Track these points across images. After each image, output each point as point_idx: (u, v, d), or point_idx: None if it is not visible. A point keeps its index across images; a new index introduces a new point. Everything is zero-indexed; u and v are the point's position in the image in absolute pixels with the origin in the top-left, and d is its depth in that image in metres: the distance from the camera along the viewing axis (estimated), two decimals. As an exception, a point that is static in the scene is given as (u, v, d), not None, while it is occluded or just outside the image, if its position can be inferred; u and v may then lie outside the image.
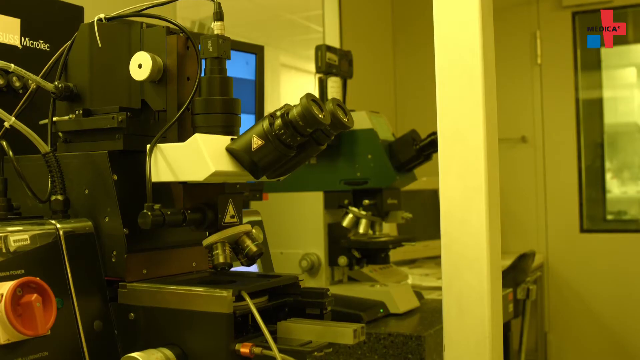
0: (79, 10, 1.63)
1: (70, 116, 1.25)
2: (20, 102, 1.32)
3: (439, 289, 1.40)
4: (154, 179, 1.13)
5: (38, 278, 1.03)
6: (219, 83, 1.16)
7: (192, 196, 1.18)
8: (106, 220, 1.19)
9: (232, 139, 1.13)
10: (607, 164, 4.68)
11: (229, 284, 1.14)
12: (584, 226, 4.52)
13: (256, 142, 1.10)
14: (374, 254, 2.29)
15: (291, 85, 3.60)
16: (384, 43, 4.87)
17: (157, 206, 1.10)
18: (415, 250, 3.45)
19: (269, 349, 1.04)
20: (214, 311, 1.07)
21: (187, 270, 1.30)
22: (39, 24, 1.53)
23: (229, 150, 1.12)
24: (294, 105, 1.10)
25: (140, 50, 1.20)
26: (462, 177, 1.33)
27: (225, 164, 1.11)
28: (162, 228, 1.12)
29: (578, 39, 4.55)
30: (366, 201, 2.24)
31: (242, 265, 1.22)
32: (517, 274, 2.93)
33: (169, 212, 1.12)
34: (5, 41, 1.46)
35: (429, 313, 2.21)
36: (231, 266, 1.17)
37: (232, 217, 1.20)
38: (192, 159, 1.10)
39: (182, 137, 1.16)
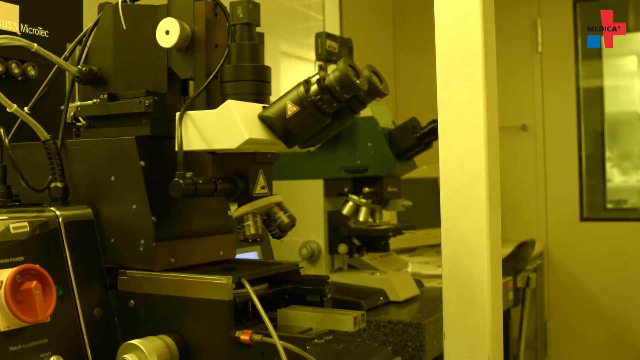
0: (78, -3, 1.62)
1: (95, 100, 1.21)
2: (22, 89, 1.31)
3: (439, 277, 1.40)
4: (185, 147, 1.08)
5: (38, 265, 1.03)
6: (249, 50, 1.12)
7: (222, 166, 1.13)
8: (133, 207, 1.15)
9: (263, 107, 1.10)
10: (608, 153, 4.68)
11: (229, 271, 1.14)
12: (584, 215, 4.52)
13: (291, 108, 1.06)
14: (374, 241, 2.28)
15: (291, 74, 3.58)
16: (384, 31, 4.85)
17: (189, 174, 1.06)
18: (415, 238, 3.45)
19: (269, 336, 1.04)
20: (214, 298, 1.07)
21: (214, 259, 1.27)
22: (38, 10, 1.52)
23: (262, 117, 1.08)
24: (331, 72, 1.07)
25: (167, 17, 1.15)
26: (462, 165, 1.33)
27: (258, 132, 1.07)
28: (193, 197, 1.07)
29: (579, 28, 4.54)
30: (366, 189, 2.23)
31: (274, 237, 1.18)
32: (517, 262, 2.94)
33: (200, 181, 1.07)
34: (4, 28, 1.45)
35: (429, 301, 2.21)
36: (262, 238, 1.13)
37: (263, 187, 1.16)
38: (224, 126, 1.05)
39: (210, 107, 1.11)
